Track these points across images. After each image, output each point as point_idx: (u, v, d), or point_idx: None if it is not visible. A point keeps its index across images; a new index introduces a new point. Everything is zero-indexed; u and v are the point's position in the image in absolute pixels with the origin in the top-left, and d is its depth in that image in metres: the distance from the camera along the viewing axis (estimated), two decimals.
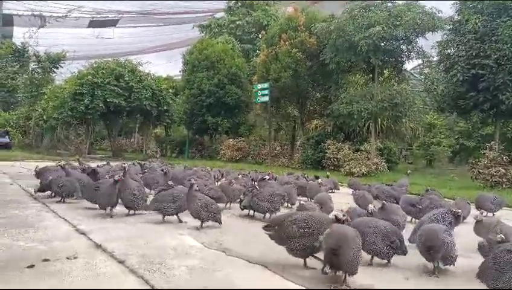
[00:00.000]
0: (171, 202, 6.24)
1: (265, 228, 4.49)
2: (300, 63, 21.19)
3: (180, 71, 37.50)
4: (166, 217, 6.34)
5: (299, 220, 4.15)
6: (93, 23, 38.78)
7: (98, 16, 37.75)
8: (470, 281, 3.86)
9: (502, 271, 3.21)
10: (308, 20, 21.95)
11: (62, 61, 33.91)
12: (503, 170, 13.87)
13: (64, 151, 29.77)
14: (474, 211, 7.01)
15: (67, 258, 4.23)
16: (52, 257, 4.22)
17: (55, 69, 34.20)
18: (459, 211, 5.15)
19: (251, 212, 7.25)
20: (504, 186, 13.52)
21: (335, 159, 19.61)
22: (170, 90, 30.39)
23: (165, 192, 6.57)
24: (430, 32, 18.13)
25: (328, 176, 12.16)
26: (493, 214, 7.78)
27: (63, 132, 31.85)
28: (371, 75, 20.47)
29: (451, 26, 18.07)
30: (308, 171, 18.06)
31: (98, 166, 11.71)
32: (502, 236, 3.80)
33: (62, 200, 7.94)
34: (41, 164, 11.46)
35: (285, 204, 7.76)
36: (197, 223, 6.03)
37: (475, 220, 5.28)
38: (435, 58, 20.62)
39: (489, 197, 8.20)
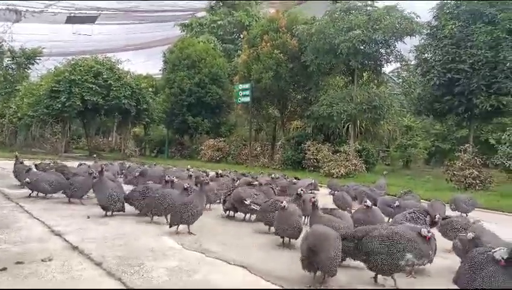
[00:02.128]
0: (271, 211, 5.85)
1: (344, 241, 4.03)
2: (282, 64, 21.27)
3: (160, 70, 37.08)
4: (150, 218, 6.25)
5: (382, 236, 3.86)
6: (71, 19, 37.80)
7: (77, 12, 36.87)
8: (445, 281, 3.96)
9: (476, 272, 3.30)
10: (289, 22, 22.08)
11: (38, 58, 33.01)
12: (477, 172, 14.26)
13: (39, 150, 29.02)
14: (449, 212, 7.19)
15: (42, 260, 4.12)
16: (26, 260, 4.10)
17: (30, 66, 33.27)
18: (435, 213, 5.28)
19: (231, 213, 7.25)
20: (477, 187, 13.91)
21: (315, 160, 19.78)
22: (150, 89, 29.97)
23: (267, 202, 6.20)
24: (408, 37, 18.53)
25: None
26: (466, 215, 7.99)
27: (38, 130, 30.97)
28: (351, 78, 20.75)
29: (428, 31, 18.49)
30: (289, 171, 18.16)
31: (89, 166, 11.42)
32: (472, 234, 3.90)
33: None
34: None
35: None
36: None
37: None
38: (413, 62, 21.09)
39: (464, 198, 8.41)
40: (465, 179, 14.15)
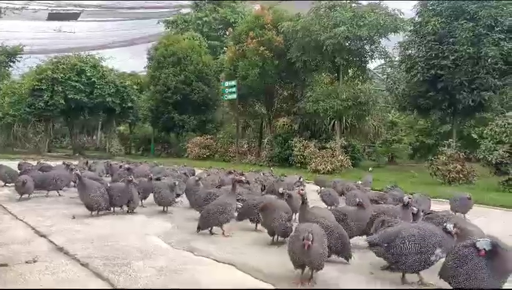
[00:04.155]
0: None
1: (371, 247, 4.15)
2: (268, 61, 21.25)
3: (145, 67, 36.63)
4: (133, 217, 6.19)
5: (413, 236, 3.90)
6: (53, 16, 37.07)
7: (59, 8, 36.16)
8: (431, 276, 4.02)
9: (460, 266, 3.37)
10: (275, 19, 22.04)
11: (19, 55, 32.34)
12: (460, 166, 14.51)
13: (22, 150, 28.46)
14: (434, 207, 7.30)
15: (27, 262, 4.05)
16: (10, 262, 4.02)
17: (11, 64, 32.58)
18: (415, 208, 5.34)
19: None
20: (461, 181, 14.17)
21: (301, 157, 19.86)
22: (135, 87, 29.64)
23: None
24: (393, 33, 18.69)
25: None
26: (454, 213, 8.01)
27: (20, 130, 30.37)
28: (336, 74, 20.86)
29: (412, 28, 18.70)
30: (276, 168, 18.19)
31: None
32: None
33: None
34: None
35: None
36: (166, 223, 5.92)
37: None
38: (397, 59, 21.32)
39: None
40: (449, 174, 14.39)
